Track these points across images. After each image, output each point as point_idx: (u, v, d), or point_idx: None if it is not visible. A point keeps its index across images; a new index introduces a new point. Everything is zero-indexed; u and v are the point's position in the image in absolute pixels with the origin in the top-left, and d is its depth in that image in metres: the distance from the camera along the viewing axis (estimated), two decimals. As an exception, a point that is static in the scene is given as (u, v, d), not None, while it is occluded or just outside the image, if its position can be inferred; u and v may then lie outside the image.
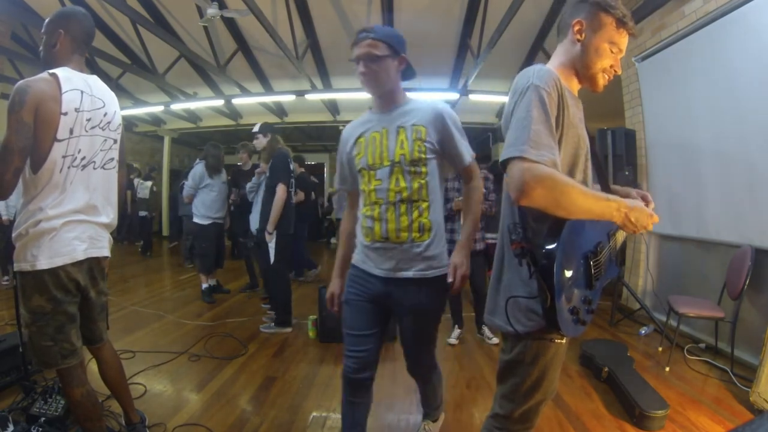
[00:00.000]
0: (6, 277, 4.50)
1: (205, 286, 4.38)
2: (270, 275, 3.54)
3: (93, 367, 2.19)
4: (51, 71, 1.42)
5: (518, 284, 1.02)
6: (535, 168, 0.85)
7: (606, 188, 1.20)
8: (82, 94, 1.45)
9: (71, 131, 1.42)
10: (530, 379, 1.05)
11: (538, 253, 0.93)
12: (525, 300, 1.00)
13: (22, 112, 1.31)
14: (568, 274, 0.94)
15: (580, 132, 1.05)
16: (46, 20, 1.51)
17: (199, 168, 4.26)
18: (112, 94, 1.64)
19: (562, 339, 1.04)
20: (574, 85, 1.10)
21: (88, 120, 1.48)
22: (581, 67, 1.07)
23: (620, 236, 1.17)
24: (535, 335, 1.02)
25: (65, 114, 1.39)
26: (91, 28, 1.57)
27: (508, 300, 1.02)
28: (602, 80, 1.08)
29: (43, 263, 1.39)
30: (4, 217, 4.30)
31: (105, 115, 1.55)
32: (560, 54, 1.10)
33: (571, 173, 1.03)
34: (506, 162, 0.90)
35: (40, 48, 1.53)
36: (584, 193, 0.88)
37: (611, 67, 1.07)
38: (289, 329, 3.45)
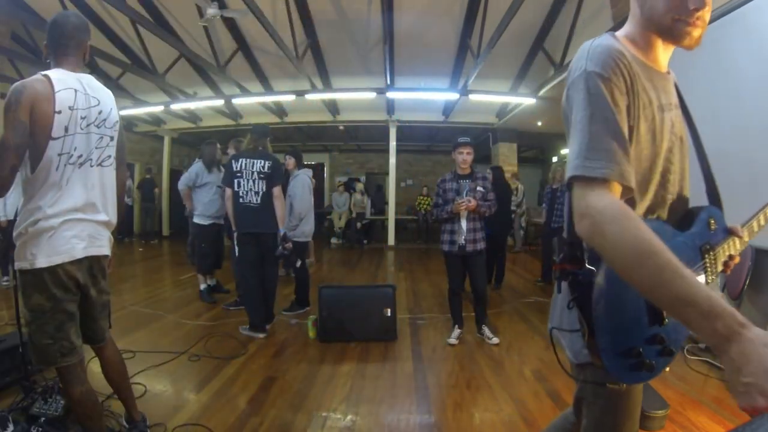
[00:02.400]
0: (6, 277, 4.50)
1: (203, 286, 4.38)
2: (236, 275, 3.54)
3: (93, 366, 2.19)
4: (44, 73, 1.45)
5: (565, 310, 0.82)
6: (595, 203, 0.65)
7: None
8: (75, 92, 1.47)
9: (66, 129, 1.44)
10: (594, 418, 0.86)
11: (582, 276, 0.75)
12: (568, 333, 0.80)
13: (18, 111, 1.34)
14: (618, 305, 0.72)
15: (657, 125, 0.79)
16: (49, 29, 1.56)
17: (195, 167, 4.27)
18: (108, 92, 1.66)
19: (617, 385, 0.80)
20: (658, 54, 0.87)
21: (83, 118, 1.49)
22: (651, 21, 0.81)
23: (721, 257, 0.85)
24: (589, 374, 0.82)
25: (59, 112, 1.41)
26: (68, 27, 1.54)
27: (551, 330, 0.86)
28: (681, 26, 0.80)
29: (42, 262, 1.41)
30: (2, 219, 4.30)
31: (100, 113, 1.57)
32: (630, 19, 0.86)
33: (641, 188, 0.79)
34: (570, 181, 0.72)
35: (44, 53, 1.58)
36: (667, 268, 0.57)
37: (682, 3, 0.78)
38: (261, 335, 3.28)
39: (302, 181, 4.00)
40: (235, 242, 3.36)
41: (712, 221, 0.83)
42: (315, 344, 3.18)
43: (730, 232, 0.85)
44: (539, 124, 8.50)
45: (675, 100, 0.87)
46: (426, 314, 4.00)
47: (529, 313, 4.09)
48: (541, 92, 6.33)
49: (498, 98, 7.47)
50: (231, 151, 4.24)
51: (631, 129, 0.75)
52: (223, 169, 4.38)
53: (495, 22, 4.43)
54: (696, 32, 0.82)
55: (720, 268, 0.84)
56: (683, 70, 3.35)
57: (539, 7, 5.22)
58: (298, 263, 4.00)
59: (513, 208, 7.66)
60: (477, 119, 9.01)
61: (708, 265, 0.81)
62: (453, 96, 7.24)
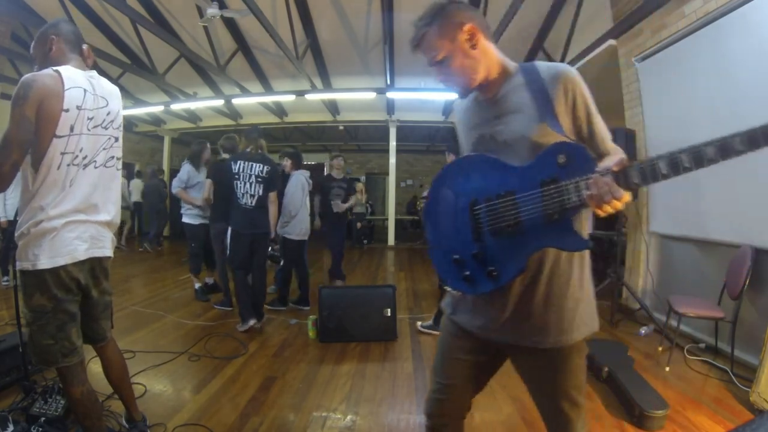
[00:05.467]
0: (6, 278, 4.50)
1: (197, 285, 4.40)
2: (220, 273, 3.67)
3: (93, 366, 2.19)
4: (55, 68, 1.43)
5: None
6: None
7: None
8: (85, 92, 1.46)
9: (72, 128, 1.42)
10: None
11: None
12: None
13: (25, 107, 1.33)
14: (441, 219, 1.05)
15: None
16: (34, 40, 1.56)
17: (185, 168, 4.30)
18: (115, 89, 1.65)
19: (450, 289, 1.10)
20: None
21: (90, 119, 1.48)
22: None
23: (574, 191, 0.89)
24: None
25: (66, 111, 1.40)
26: (77, 31, 1.60)
27: None
28: None
29: (45, 263, 1.40)
30: (2, 219, 4.29)
31: (108, 114, 1.57)
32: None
33: None
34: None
35: (35, 65, 1.55)
36: None
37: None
38: (252, 321, 3.37)
39: (296, 181, 4.11)
40: (228, 238, 3.45)
41: (561, 156, 0.90)
42: (315, 344, 3.18)
43: (608, 170, 0.86)
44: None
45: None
46: (426, 314, 4.00)
47: (529, 313, 4.08)
48: (541, 92, 6.32)
49: (498, 98, 7.47)
50: (219, 148, 4.23)
51: None
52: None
53: (495, 22, 4.43)
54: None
55: (574, 200, 0.88)
56: (683, 70, 3.36)
57: (539, 7, 5.22)
58: (281, 263, 4.25)
59: None
60: (477, 119, 9.01)
61: (545, 195, 0.91)
62: (453, 96, 7.23)
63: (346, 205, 4.91)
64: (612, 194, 0.82)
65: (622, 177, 0.83)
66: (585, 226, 1.01)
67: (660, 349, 3.03)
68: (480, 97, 1.10)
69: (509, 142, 1.02)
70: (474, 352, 1.12)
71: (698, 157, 0.78)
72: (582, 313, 1.04)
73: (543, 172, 0.92)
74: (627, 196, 0.84)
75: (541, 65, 1.01)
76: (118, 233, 8.56)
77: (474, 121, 1.12)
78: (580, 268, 1.04)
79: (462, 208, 1.03)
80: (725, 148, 0.77)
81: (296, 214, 4.05)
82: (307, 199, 4.22)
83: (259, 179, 3.36)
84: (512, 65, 1.06)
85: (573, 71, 1.00)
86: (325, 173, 11.49)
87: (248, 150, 3.44)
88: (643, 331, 3.43)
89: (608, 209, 0.84)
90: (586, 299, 1.06)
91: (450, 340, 1.16)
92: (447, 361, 1.16)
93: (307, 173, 4.27)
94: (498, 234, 0.97)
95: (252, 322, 3.38)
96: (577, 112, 1.00)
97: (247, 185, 3.34)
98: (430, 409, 1.18)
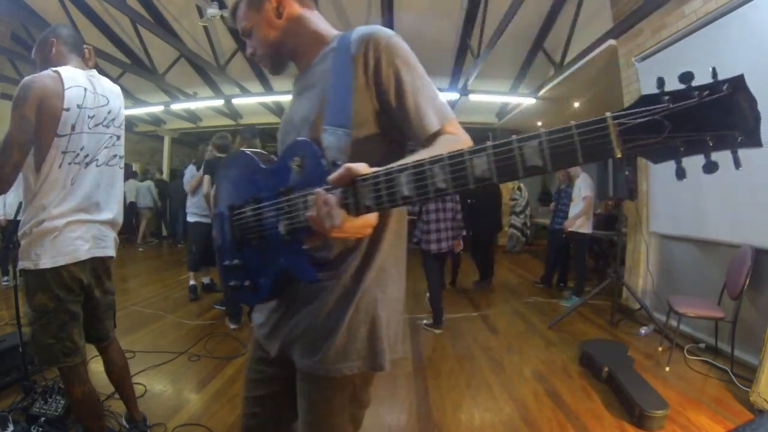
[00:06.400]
0: (6, 278, 4.50)
1: (192, 283, 4.42)
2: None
3: (93, 366, 2.19)
4: (55, 69, 1.44)
5: None
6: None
7: None
8: (85, 91, 1.47)
9: (73, 128, 1.43)
10: None
11: None
12: None
13: (25, 108, 1.34)
14: (215, 232, 0.95)
15: None
16: (35, 46, 1.57)
17: (189, 170, 4.42)
18: (116, 87, 1.66)
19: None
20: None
21: (91, 117, 1.49)
22: None
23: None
24: None
25: (67, 110, 1.41)
26: (77, 34, 1.63)
27: None
28: None
29: (47, 262, 1.41)
30: (1, 218, 4.30)
31: (109, 112, 1.57)
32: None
33: None
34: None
35: (37, 68, 1.55)
36: None
37: None
38: (232, 326, 3.45)
39: None
40: None
41: (296, 160, 0.72)
42: (315, 344, 3.18)
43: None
44: (539, 124, 8.50)
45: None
46: (426, 314, 4.00)
47: (528, 313, 4.09)
48: (541, 92, 6.32)
49: (498, 98, 7.47)
50: (211, 149, 4.23)
51: None
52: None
53: (495, 22, 4.43)
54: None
55: (302, 219, 0.69)
56: (683, 70, 3.37)
57: (539, 8, 5.21)
58: None
59: (516, 210, 7.65)
60: (477, 119, 9.01)
61: (279, 209, 0.74)
62: (453, 96, 7.23)
63: None
64: (331, 219, 0.61)
65: (351, 196, 0.62)
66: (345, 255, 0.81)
67: (660, 349, 3.03)
68: (297, 72, 0.96)
69: (297, 127, 0.86)
70: (268, 363, 0.96)
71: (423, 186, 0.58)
72: (361, 341, 0.83)
73: (282, 179, 0.75)
74: (361, 222, 0.63)
75: (358, 29, 0.81)
76: (136, 232, 8.66)
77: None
78: (379, 285, 0.84)
79: (225, 213, 0.91)
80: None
81: None
82: None
83: None
84: (332, 33, 0.91)
85: (384, 32, 0.78)
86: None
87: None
88: (643, 331, 3.43)
89: (340, 235, 0.63)
90: (375, 327, 0.84)
91: (252, 349, 1.02)
92: (248, 371, 1.01)
93: None
94: (248, 245, 0.84)
95: (232, 326, 3.46)
96: (382, 82, 0.75)
97: None
98: (244, 429, 1.01)
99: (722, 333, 2.91)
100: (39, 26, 4.58)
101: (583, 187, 4.34)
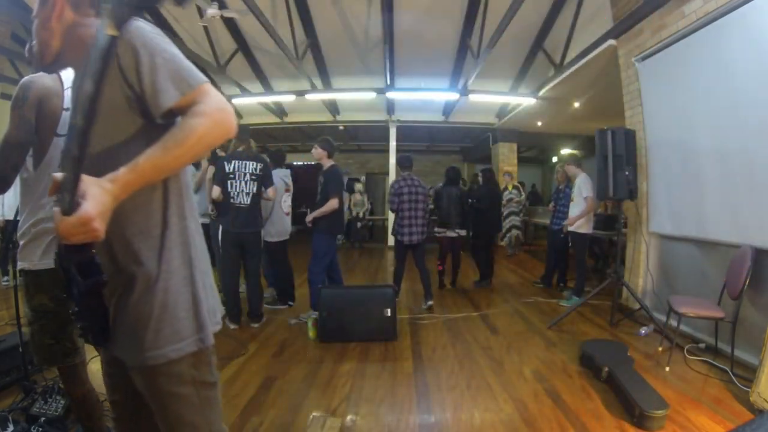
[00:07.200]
0: (6, 278, 4.50)
1: None
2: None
3: (93, 366, 2.19)
4: None
5: None
6: None
7: None
8: None
9: None
10: None
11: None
12: None
13: (24, 108, 1.34)
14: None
15: None
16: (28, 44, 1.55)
17: (189, 169, 4.28)
18: None
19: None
20: None
21: None
22: None
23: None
24: None
25: (67, 110, 1.40)
26: None
27: None
28: None
29: (45, 262, 1.41)
30: (0, 218, 4.29)
31: None
32: None
33: None
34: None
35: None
36: None
37: None
38: (232, 326, 3.47)
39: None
40: (219, 239, 3.52)
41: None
42: (315, 344, 3.18)
43: None
44: (539, 124, 8.50)
45: None
46: (426, 314, 4.00)
47: (528, 313, 4.09)
48: (541, 92, 6.32)
49: (498, 98, 7.47)
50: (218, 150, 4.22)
51: None
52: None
53: (495, 22, 4.43)
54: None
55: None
56: (683, 70, 3.36)
57: (539, 8, 5.21)
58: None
59: (515, 210, 7.62)
60: (477, 119, 9.01)
61: None
62: (453, 96, 7.24)
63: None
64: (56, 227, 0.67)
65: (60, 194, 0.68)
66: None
67: (660, 349, 3.03)
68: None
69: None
70: (114, 365, 0.92)
71: None
72: (179, 322, 0.83)
73: None
74: (74, 219, 0.66)
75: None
76: None
77: None
78: (183, 263, 0.86)
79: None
80: None
81: (269, 215, 4.00)
82: (282, 199, 4.13)
83: (254, 177, 3.46)
84: (90, 35, 0.85)
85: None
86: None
87: (240, 150, 3.50)
88: (643, 331, 3.43)
89: (73, 239, 0.70)
90: (190, 305, 0.85)
91: (102, 353, 0.98)
92: (103, 376, 0.98)
93: (285, 172, 4.27)
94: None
95: (232, 326, 3.48)
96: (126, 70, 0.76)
97: (242, 183, 3.42)
98: None
99: (722, 333, 2.91)
100: (39, 26, 4.57)
101: (583, 187, 4.34)
